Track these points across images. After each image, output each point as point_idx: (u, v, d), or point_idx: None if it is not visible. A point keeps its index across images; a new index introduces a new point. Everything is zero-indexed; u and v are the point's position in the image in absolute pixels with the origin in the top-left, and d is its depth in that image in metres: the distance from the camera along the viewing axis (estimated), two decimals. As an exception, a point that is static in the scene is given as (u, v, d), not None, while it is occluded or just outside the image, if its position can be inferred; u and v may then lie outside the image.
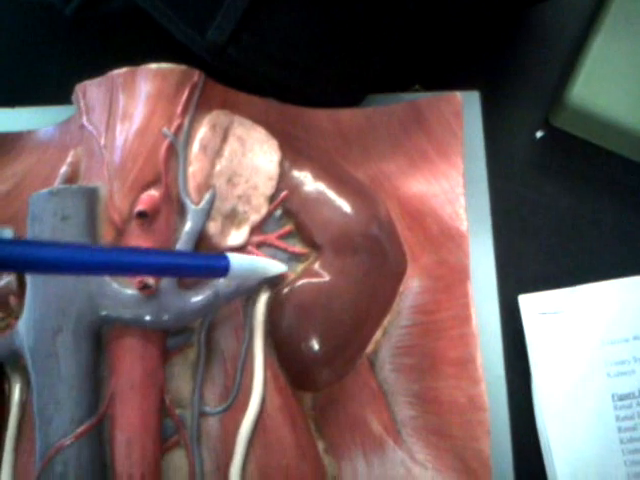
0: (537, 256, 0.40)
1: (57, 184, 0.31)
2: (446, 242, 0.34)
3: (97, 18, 0.42)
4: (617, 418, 0.36)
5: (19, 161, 0.38)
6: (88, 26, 0.43)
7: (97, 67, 0.33)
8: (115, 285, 0.28)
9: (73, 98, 0.33)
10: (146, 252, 0.24)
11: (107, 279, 0.28)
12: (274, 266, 0.28)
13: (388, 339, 0.34)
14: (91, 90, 0.31)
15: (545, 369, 0.37)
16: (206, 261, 0.25)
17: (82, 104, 0.31)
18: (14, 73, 0.44)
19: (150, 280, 0.27)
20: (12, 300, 0.31)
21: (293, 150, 0.33)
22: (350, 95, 0.39)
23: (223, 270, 0.24)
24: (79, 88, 0.32)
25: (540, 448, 0.36)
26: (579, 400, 0.36)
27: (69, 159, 0.31)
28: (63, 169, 0.31)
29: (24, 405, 0.30)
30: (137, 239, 0.28)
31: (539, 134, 0.42)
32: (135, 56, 0.32)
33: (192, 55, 0.33)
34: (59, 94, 0.39)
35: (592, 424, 0.36)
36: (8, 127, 0.39)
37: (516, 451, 0.35)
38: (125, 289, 0.28)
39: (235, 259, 0.25)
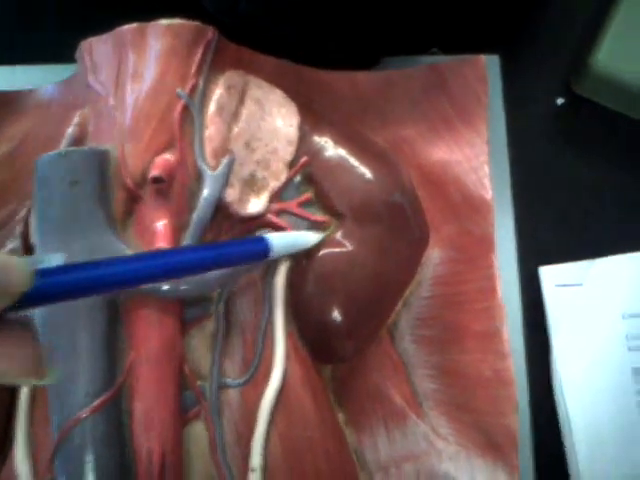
0: (557, 227, 0.38)
1: (63, 146, 0.30)
2: (469, 212, 0.33)
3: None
4: (638, 392, 0.35)
5: (20, 121, 0.36)
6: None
7: (99, 24, 0.31)
8: (130, 253, 0.26)
9: (77, 56, 0.31)
10: (188, 251, 0.24)
11: (122, 246, 0.26)
12: (313, 237, 0.28)
13: (408, 310, 0.33)
14: (97, 47, 0.29)
15: (565, 342, 0.36)
16: (246, 247, 0.25)
17: (88, 62, 0.29)
18: (12, 30, 0.42)
19: (167, 247, 0.26)
20: (17, 269, 0.30)
21: (311, 114, 0.31)
22: (366, 56, 0.37)
23: (264, 253, 0.25)
24: (84, 45, 0.30)
25: (558, 421, 0.35)
26: (599, 374, 0.35)
27: (76, 119, 0.29)
28: (70, 130, 0.29)
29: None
30: (152, 206, 0.27)
31: (560, 101, 0.40)
32: (139, 13, 0.30)
33: (201, 13, 0.31)
34: (59, 52, 0.37)
35: (612, 398, 0.35)
36: (7, 86, 0.37)
37: (534, 424, 0.34)
38: (141, 258, 0.26)
39: (276, 240, 0.25)
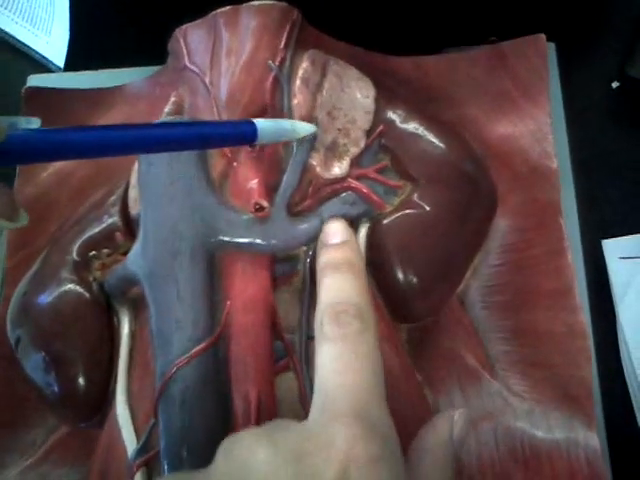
0: (617, 201, 0.40)
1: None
2: (536, 180, 0.34)
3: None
4: None
5: (107, 116, 0.39)
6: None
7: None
8: (229, 210, 0.29)
9: (170, 44, 0.34)
10: (173, 125, 0.24)
11: (222, 205, 0.29)
12: (302, 127, 0.27)
13: (477, 278, 0.34)
14: (192, 32, 0.32)
15: (631, 314, 0.37)
16: (234, 129, 0.24)
17: (183, 47, 0.32)
18: (95, 36, 0.46)
19: (264, 202, 0.28)
20: (118, 236, 0.33)
21: (383, 90, 0.33)
22: (428, 47, 0.39)
23: (251, 135, 0.24)
24: (179, 32, 0.33)
25: (629, 397, 0.36)
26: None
27: (172, 99, 0.32)
28: (167, 108, 0.32)
29: (133, 335, 0.31)
30: (247, 168, 0.29)
31: (615, 84, 0.42)
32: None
33: None
34: (137, 57, 0.40)
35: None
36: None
37: (602, 395, 0.34)
38: (238, 214, 0.29)
39: (261, 124, 0.24)
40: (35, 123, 0.26)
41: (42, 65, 0.46)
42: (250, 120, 0.24)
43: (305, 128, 0.28)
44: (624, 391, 0.36)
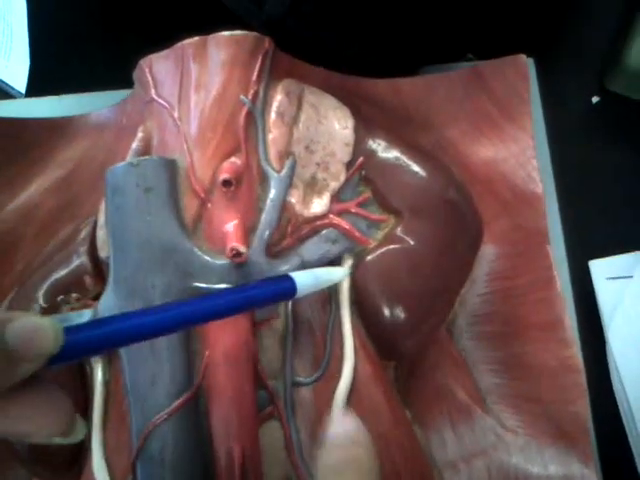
0: (603, 221, 0.39)
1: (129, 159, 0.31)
2: (520, 206, 0.33)
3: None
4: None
5: (72, 147, 0.37)
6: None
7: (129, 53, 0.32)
8: (203, 256, 0.27)
9: (135, 75, 0.33)
10: (217, 297, 0.24)
11: (196, 250, 0.27)
12: (336, 273, 0.28)
13: (464, 308, 0.33)
14: (158, 63, 0.31)
15: (619, 334, 0.36)
16: (275, 288, 0.25)
17: (149, 78, 0.31)
18: (58, 60, 0.44)
19: (241, 247, 0.26)
20: (87, 280, 0.31)
21: (362, 118, 0.32)
22: (404, 66, 0.38)
23: (291, 291, 0.25)
24: (144, 63, 0.31)
25: (619, 415, 0.35)
26: (657, 363, 0.35)
27: (139, 134, 0.30)
28: (134, 145, 0.30)
29: (107, 385, 0.30)
30: (221, 209, 0.28)
31: (595, 99, 0.41)
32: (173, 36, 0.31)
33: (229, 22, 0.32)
34: (102, 82, 0.39)
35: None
36: (56, 115, 0.38)
37: (594, 418, 0.34)
38: (214, 259, 0.27)
39: (300, 277, 0.25)
40: (86, 316, 0.26)
41: (2, 90, 0.43)
42: (289, 276, 0.25)
43: (340, 273, 0.28)
44: (616, 417, 0.35)
